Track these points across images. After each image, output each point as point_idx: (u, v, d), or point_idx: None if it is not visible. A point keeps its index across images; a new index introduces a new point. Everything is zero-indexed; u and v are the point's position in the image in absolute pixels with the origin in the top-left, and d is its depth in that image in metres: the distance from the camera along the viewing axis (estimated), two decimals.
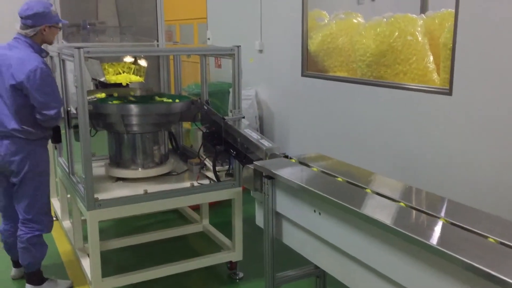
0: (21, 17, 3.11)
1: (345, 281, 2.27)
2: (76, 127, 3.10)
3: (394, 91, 3.77)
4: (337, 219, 2.20)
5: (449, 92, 3.29)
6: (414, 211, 2.02)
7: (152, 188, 3.27)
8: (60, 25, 3.26)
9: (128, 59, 3.84)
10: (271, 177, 2.58)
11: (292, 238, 2.62)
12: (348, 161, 2.77)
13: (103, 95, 3.74)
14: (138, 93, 3.93)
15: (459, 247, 1.66)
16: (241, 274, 3.64)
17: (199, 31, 7.39)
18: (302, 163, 2.72)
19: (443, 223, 1.89)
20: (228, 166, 3.51)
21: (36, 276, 3.34)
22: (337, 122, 4.39)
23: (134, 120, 3.40)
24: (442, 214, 1.97)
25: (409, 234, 1.78)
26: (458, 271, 1.63)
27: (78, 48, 2.81)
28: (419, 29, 3.88)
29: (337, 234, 2.22)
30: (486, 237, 1.75)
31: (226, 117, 3.34)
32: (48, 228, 3.30)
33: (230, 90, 5.31)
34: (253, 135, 3.13)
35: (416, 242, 1.75)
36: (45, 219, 3.27)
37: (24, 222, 3.19)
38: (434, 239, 1.75)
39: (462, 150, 3.24)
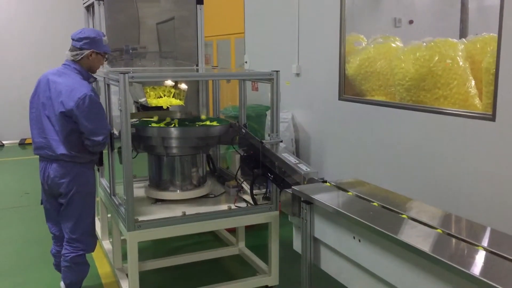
0: (73, 39, 3.25)
1: None
2: (119, 149, 3.19)
3: (434, 116, 3.71)
4: (376, 246, 2.17)
5: (492, 118, 3.22)
6: (454, 239, 1.97)
7: (190, 210, 3.32)
8: (107, 55, 3.39)
9: (169, 82, 3.94)
10: (310, 202, 2.58)
11: (330, 264, 2.60)
12: (386, 186, 2.74)
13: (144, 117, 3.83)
14: (178, 115, 4.01)
15: (501, 278, 1.61)
16: None
17: (236, 47, 7.45)
18: (340, 188, 2.71)
19: (485, 253, 1.84)
20: (265, 190, 3.52)
21: None
22: (375, 146, 4.35)
23: (174, 143, 3.47)
24: (484, 243, 1.92)
25: (449, 263, 1.74)
26: None
27: (124, 73, 2.91)
28: (460, 53, 3.83)
29: (376, 262, 2.19)
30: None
31: (264, 141, 3.37)
32: (92, 248, 3.38)
33: (267, 113, 5.37)
34: (291, 159, 3.14)
35: (457, 271, 1.71)
36: (90, 239, 3.35)
37: (69, 242, 3.28)
38: (476, 269, 1.70)
39: (505, 178, 3.14)
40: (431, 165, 3.72)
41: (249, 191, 3.46)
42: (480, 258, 1.82)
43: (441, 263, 1.78)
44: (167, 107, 3.90)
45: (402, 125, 4.01)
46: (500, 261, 1.78)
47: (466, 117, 3.45)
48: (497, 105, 3.17)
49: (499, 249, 1.85)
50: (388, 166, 4.16)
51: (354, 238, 2.30)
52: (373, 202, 2.44)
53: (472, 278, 1.66)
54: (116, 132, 3.45)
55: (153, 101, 3.84)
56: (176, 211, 3.29)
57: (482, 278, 1.63)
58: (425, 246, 1.90)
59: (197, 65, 4.43)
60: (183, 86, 3.99)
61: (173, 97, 4.00)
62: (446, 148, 3.59)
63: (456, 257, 1.83)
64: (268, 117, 4.61)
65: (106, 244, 4.26)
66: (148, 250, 4.42)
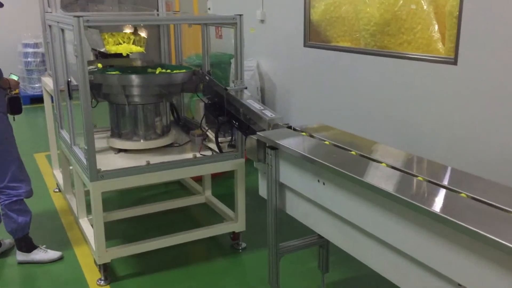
0: None
1: (348, 250, 2.28)
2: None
3: (398, 61, 3.72)
4: (340, 188, 2.19)
5: (454, 62, 3.24)
6: (416, 180, 2.01)
7: (155, 159, 3.27)
8: None
9: (128, 29, 3.77)
10: (275, 148, 2.57)
11: (295, 209, 2.62)
12: (351, 131, 2.74)
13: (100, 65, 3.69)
14: (139, 63, 3.88)
15: (462, 214, 1.65)
16: (244, 245, 3.67)
17: (199, 2, 7.25)
18: (305, 133, 2.70)
19: (446, 191, 1.88)
20: (230, 137, 3.49)
21: (24, 242, 3.41)
22: (340, 92, 4.35)
23: (136, 91, 3.37)
24: (446, 182, 1.96)
25: (412, 201, 1.77)
26: (460, 237, 1.62)
27: (78, 16, 2.76)
28: None
29: (341, 204, 2.22)
30: (490, 204, 1.74)
31: (228, 88, 3.31)
32: (25, 193, 3.33)
33: (232, 61, 5.26)
34: (256, 106, 3.10)
35: (419, 209, 1.74)
36: (21, 185, 3.30)
37: (1, 190, 3.25)
38: (437, 207, 1.74)
39: (466, 120, 3.21)
40: (396, 109, 3.76)
41: (214, 139, 3.43)
42: (440, 196, 1.85)
43: (403, 201, 1.81)
44: (127, 54, 3.76)
45: (367, 71, 4.01)
46: (459, 197, 1.82)
47: (429, 61, 3.47)
48: (459, 49, 3.19)
49: (458, 187, 1.89)
50: (353, 111, 4.19)
51: (318, 181, 2.32)
52: (339, 146, 2.44)
53: (432, 214, 1.70)
54: (74, 80, 3.31)
55: (112, 48, 3.68)
56: (140, 160, 3.23)
57: (442, 214, 1.67)
58: (387, 186, 1.92)
59: (157, 11, 4.26)
60: (143, 33, 3.84)
61: (133, 44, 3.85)
62: (410, 92, 3.62)
63: (417, 195, 1.87)
64: (233, 65, 4.52)
65: (70, 196, 4.19)
66: (114, 200, 4.38)
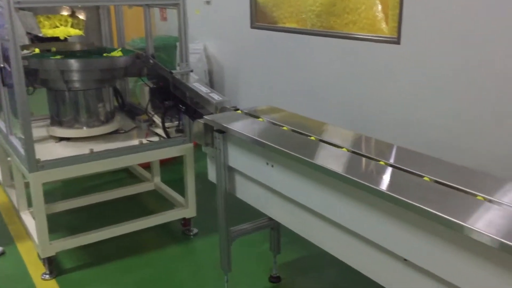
0: None
1: (299, 231, 2.28)
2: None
3: (344, 41, 3.74)
4: (289, 170, 2.18)
5: (397, 41, 3.29)
6: (364, 159, 2.02)
7: (99, 147, 3.15)
8: None
9: (65, 11, 3.58)
10: (222, 131, 2.52)
11: (245, 192, 2.60)
12: (299, 112, 2.74)
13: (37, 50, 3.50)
14: (78, 47, 3.70)
15: (407, 192, 1.67)
16: (195, 230, 3.62)
17: None
18: (253, 115, 2.67)
19: (392, 169, 1.90)
20: (177, 122, 3.41)
21: None
22: (288, 74, 4.34)
23: (75, 76, 3.22)
24: (392, 161, 1.98)
25: (359, 180, 1.78)
26: (405, 214, 1.65)
27: None
28: None
29: (290, 185, 2.21)
30: (435, 181, 1.77)
31: (173, 71, 3.22)
32: None
33: (178, 44, 5.13)
34: (202, 89, 3.04)
35: (366, 188, 1.75)
36: None
37: None
38: (383, 185, 1.76)
39: (410, 98, 3.28)
40: (343, 89, 3.80)
41: (160, 124, 3.34)
42: (386, 174, 1.88)
43: (350, 181, 1.82)
44: (65, 38, 3.57)
45: (314, 52, 4.01)
46: (406, 175, 1.84)
47: (373, 41, 3.51)
48: (402, 28, 3.23)
49: (405, 165, 1.91)
50: (302, 92, 4.19)
51: (267, 164, 2.30)
52: (286, 127, 2.43)
53: (378, 192, 1.71)
54: (8, 66, 3.12)
55: (49, 31, 3.49)
56: (83, 149, 3.10)
57: (387, 192, 1.68)
58: (335, 166, 1.93)
59: None
60: (81, 15, 3.66)
61: (71, 27, 3.66)
62: (356, 72, 3.65)
63: (364, 174, 1.88)
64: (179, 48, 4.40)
65: (10, 189, 3.99)
66: (59, 191, 4.21)
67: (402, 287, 1.79)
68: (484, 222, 1.44)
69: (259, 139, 2.28)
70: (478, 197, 1.63)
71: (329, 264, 3.13)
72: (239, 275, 2.99)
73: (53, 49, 3.53)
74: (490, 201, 1.60)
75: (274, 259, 3.01)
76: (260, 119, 2.60)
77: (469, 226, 1.42)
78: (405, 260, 1.72)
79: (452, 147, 3.01)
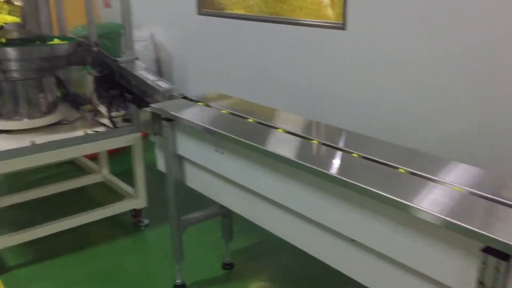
0: None
1: (250, 217, 2.29)
2: None
3: (291, 27, 3.75)
4: (238, 157, 2.17)
5: (343, 27, 3.33)
6: (313, 143, 2.04)
7: (41, 139, 3.02)
8: None
9: None
10: (170, 119, 2.48)
11: (195, 180, 2.58)
12: (249, 99, 2.73)
13: None
14: (15, 35, 3.52)
15: (353, 173, 1.71)
16: (146, 221, 3.57)
17: None
18: (202, 103, 2.64)
19: (340, 152, 1.93)
20: (124, 111, 3.32)
21: None
22: (236, 61, 4.32)
23: (13, 66, 3.06)
24: (341, 144, 2.01)
25: (306, 164, 1.79)
26: (352, 195, 1.68)
27: None
28: None
29: (240, 172, 2.21)
30: (381, 163, 1.82)
31: (118, 59, 3.13)
32: None
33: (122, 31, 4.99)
34: (149, 77, 2.97)
35: (314, 172, 1.77)
36: None
37: None
38: (330, 167, 1.78)
39: (357, 83, 3.34)
40: (291, 75, 3.82)
41: (106, 114, 3.24)
42: (334, 157, 1.90)
43: (298, 165, 1.83)
44: (1, 26, 3.39)
45: (261, 38, 4.01)
46: (352, 158, 1.88)
47: (320, 27, 3.54)
48: (347, 14, 3.28)
49: (353, 148, 1.94)
50: (250, 78, 4.19)
51: (216, 151, 2.28)
52: (237, 114, 2.42)
53: (327, 176, 1.73)
54: None
55: None
56: (24, 141, 2.97)
57: (334, 175, 1.71)
58: (283, 151, 1.93)
59: None
60: (17, 1, 3.48)
61: (8, 14, 3.47)
62: (304, 58, 3.68)
63: (313, 159, 1.90)
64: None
65: None
66: (1, 186, 4.03)
67: (350, 267, 1.83)
68: (429, 201, 1.48)
69: (208, 126, 2.26)
70: (422, 178, 1.68)
71: (281, 249, 3.17)
72: (192, 264, 2.97)
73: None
74: (434, 181, 1.65)
75: (226, 246, 3.02)
76: (208, 107, 2.58)
77: (413, 205, 1.46)
78: (353, 240, 1.76)
79: (398, 129, 3.10)
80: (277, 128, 2.22)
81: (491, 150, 2.67)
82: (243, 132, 2.17)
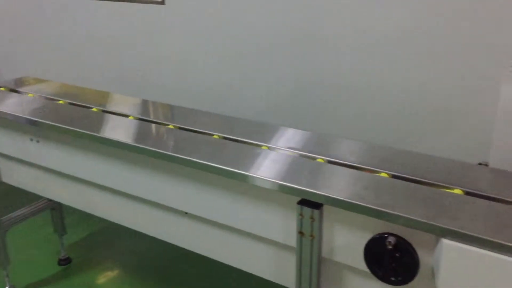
0: None
1: (82, 207, 2.16)
2: None
3: (110, 3, 3.57)
4: (56, 143, 2.02)
5: (162, 2, 3.28)
6: (148, 124, 1.97)
7: None
8: None
9: None
10: None
11: (13, 175, 2.33)
12: (67, 81, 2.54)
13: None
14: None
15: (187, 149, 1.70)
16: None
17: None
18: (12, 90, 2.37)
19: (175, 129, 1.90)
20: None
21: None
22: (54, 41, 3.98)
23: None
24: (176, 122, 1.96)
25: (134, 144, 1.74)
26: (182, 169, 1.69)
27: None
28: None
29: (60, 160, 2.05)
30: (197, 132, 1.84)
31: None
32: None
33: None
34: None
35: (142, 150, 1.73)
36: None
37: None
38: (169, 147, 1.74)
39: (179, 59, 3.34)
40: (113, 54, 3.66)
41: None
42: (175, 136, 1.86)
43: (126, 146, 1.77)
44: None
45: (79, 15, 3.75)
46: (186, 133, 1.86)
47: (140, 2, 3.43)
48: None
49: (188, 124, 1.93)
50: (69, 59, 3.91)
51: (31, 140, 2.09)
52: (56, 99, 2.23)
53: (162, 155, 1.69)
54: None
55: None
56: None
57: (172, 154, 1.67)
58: (109, 133, 1.84)
59: None
60: None
61: None
62: (126, 35, 3.55)
63: (139, 138, 1.84)
64: None
65: None
66: None
67: (184, 238, 1.85)
68: (262, 168, 1.54)
69: (15, 113, 2.04)
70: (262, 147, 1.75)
71: (120, 235, 3.08)
72: (23, 265, 2.73)
73: None
74: (269, 148, 1.71)
75: (60, 240, 2.82)
76: (21, 93, 2.33)
77: (233, 170, 1.52)
78: (186, 213, 1.78)
79: (213, 97, 3.18)
80: (90, 108, 2.09)
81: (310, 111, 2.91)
82: (55, 116, 2.00)
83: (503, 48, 1.92)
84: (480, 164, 1.69)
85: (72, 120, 1.97)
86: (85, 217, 2.23)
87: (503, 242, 1.10)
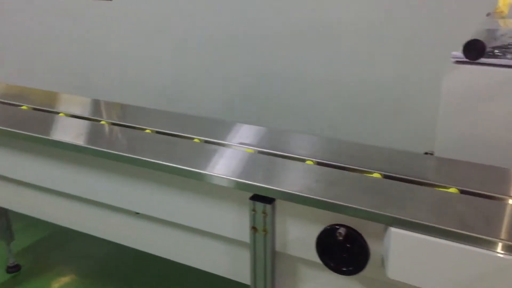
0: None
1: (28, 211, 2.09)
2: None
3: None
4: (1, 147, 1.94)
5: None
6: (95, 123, 1.92)
7: None
8: None
9: None
10: None
11: None
12: (12, 81, 2.44)
13: None
14: None
15: (130, 147, 1.67)
16: None
17: None
18: None
19: (120, 128, 1.85)
20: None
21: None
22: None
23: None
24: (117, 119, 1.93)
25: (82, 145, 1.70)
26: (131, 168, 1.65)
27: None
28: None
29: (4, 164, 1.97)
30: (156, 131, 1.82)
31: None
32: None
33: None
34: None
35: (88, 150, 1.69)
36: None
37: None
38: (104, 144, 1.70)
39: (126, 54, 3.30)
40: (62, 51, 3.57)
41: None
42: (123, 135, 1.81)
43: (70, 147, 1.71)
44: None
45: (25, 11, 3.63)
46: (130, 131, 1.83)
47: None
48: None
49: (128, 121, 1.89)
50: (12, 59, 3.77)
51: None
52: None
53: (108, 155, 1.65)
54: None
55: None
56: None
57: (120, 153, 1.63)
58: (61, 136, 1.78)
59: None
60: None
61: None
62: (74, 31, 3.48)
63: (89, 139, 1.79)
64: None
65: None
66: None
67: (135, 239, 1.82)
68: (214, 165, 1.52)
69: None
70: (196, 140, 1.73)
71: (72, 239, 2.99)
72: None
73: None
74: (222, 145, 1.69)
75: (8, 247, 2.70)
76: None
77: (186, 169, 1.50)
78: (137, 213, 1.74)
79: (172, 91, 3.17)
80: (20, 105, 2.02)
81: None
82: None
83: (445, 39, 1.99)
84: (426, 153, 1.75)
85: (16, 122, 1.89)
86: (34, 222, 2.14)
87: (446, 228, 1.14)
